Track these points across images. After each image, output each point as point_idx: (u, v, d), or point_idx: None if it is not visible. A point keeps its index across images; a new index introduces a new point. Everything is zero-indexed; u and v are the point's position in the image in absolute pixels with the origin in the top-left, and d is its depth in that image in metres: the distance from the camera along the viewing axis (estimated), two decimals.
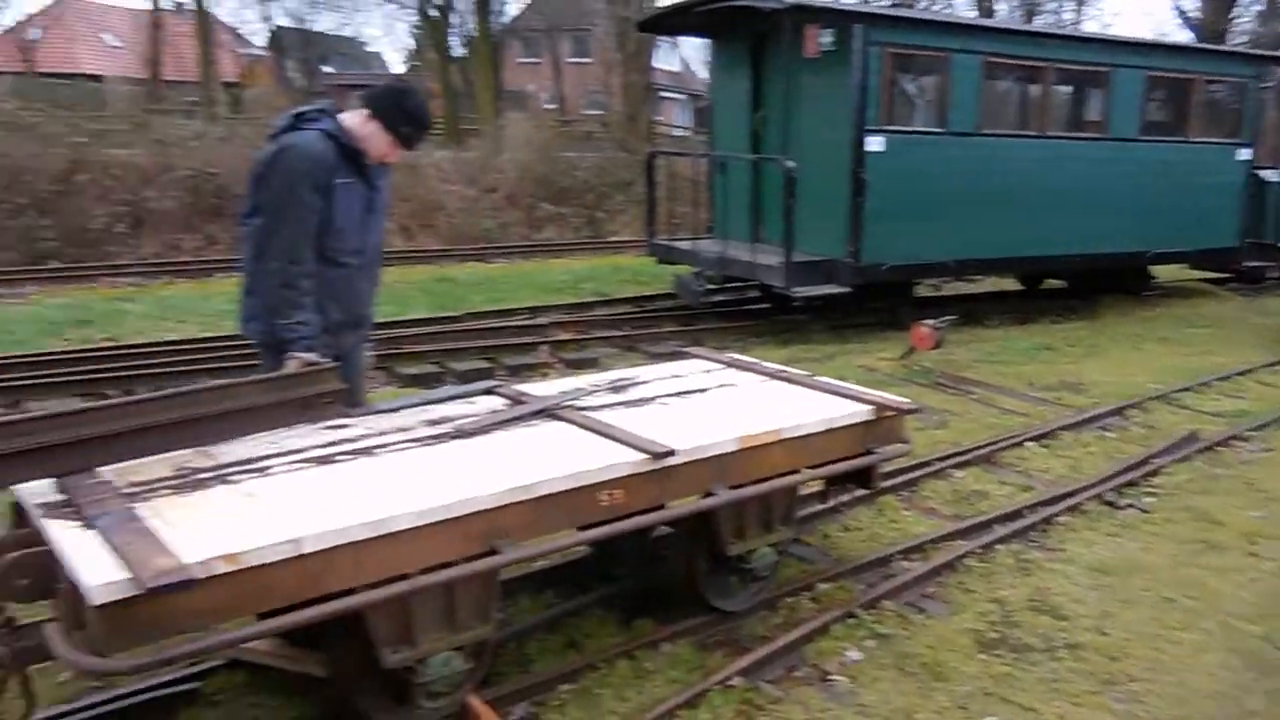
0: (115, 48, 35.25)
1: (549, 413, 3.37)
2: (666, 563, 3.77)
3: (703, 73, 47.05)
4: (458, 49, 29.39)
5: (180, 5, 29.85)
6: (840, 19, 8.87)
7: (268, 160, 3.20)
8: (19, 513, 2.61)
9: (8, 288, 10.73)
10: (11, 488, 2.60)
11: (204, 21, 25.79)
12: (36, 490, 2.57)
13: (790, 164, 8.72)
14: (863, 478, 3.81)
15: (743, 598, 3.58)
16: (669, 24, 12.06)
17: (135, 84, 25.56)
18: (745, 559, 3.45)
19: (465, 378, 7.31)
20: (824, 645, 3.39)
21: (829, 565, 4.04)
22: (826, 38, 8.99)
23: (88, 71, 30.14)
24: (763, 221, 10.03)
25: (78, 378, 6.78)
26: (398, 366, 7.57)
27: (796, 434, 3.40)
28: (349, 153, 3.25)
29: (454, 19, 28.65)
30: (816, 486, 3.97)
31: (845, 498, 4.53)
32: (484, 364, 7.91)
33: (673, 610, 3.53)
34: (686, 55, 48.04)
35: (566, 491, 2.82)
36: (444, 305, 10.34)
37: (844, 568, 4.00)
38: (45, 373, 6.82)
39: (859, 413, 3.62)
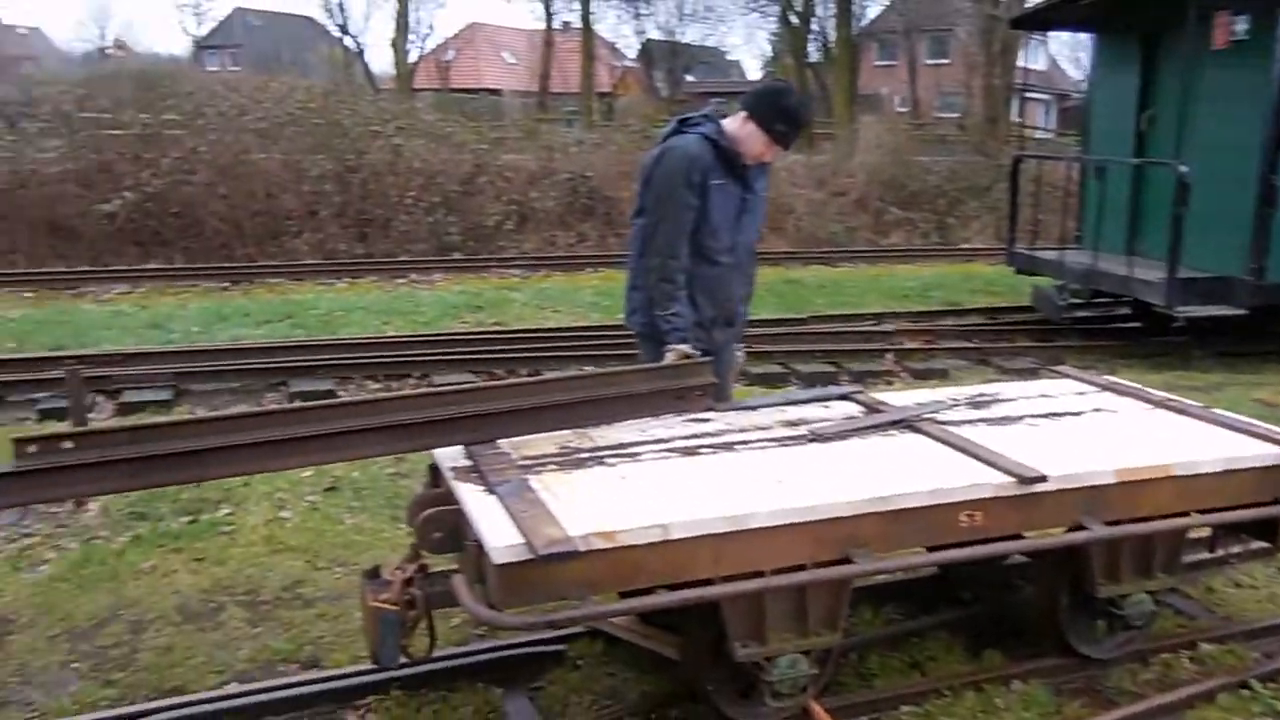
0: (512, 65, 39.62)
1: (907, 424, 3.29)
2: (1021, 594, 3.55)
3: (1072, 71, 43.45)
4: (814, 54, 29.58)
5: (567, 25, 32.84)
6: (1260, 2, 7.77)
7: (652, 163, 3.45)
8: (434, 473, 3.01)
9: (421, 274, 12.43)
10: (431, 451, 3.00)
11: (588, 38, 28.14)
12: (450, 455, 2.92)
13: (1183, 168, 7.79)
14: (1268, 530, 3.32)
15: (1109, 645, 3.27)
16: (1046, 19, 11.27)
17: (526, 96, 28.50)
18: (1116, 603, 3.14)
19: (809, 380, 7.37)
20: (1209, 715, 3.01)
21: (1215, 624, 3.58)
22: (1241, 25, 7.91)
23: (489, 86, 34.06)
24: (1141, 232, 9.07)
25: (471, 356, 7.69)
26: (744, 365, 7.78)
27: (1188, 472, 3.05)
28: (726, 155, 3.40)
29: (813, 25, 28.88)
30: (1202, 532, 3.52)
31: (1237, 549, 3.98)
32: (828, 368, 7.90)
33: (1025, 645, 3.32)
34: (1055, 52, 44.54)
35: (925, 508, 2.74)
36: (790, 307, 10.45)
37: (1235, 629, 3.52)
38: (446, 351, 7.80)
39: (1271, 455, 3.16)
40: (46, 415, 6.26)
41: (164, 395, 6.63)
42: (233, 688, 3.13)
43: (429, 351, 7.77)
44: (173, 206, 13.15)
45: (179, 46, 61.87)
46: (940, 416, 3.39)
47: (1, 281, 11.12)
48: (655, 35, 37.36)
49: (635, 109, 23.85)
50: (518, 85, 33.59)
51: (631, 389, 3.06)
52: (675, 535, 2.51)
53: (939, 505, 2.76)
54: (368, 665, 2.97)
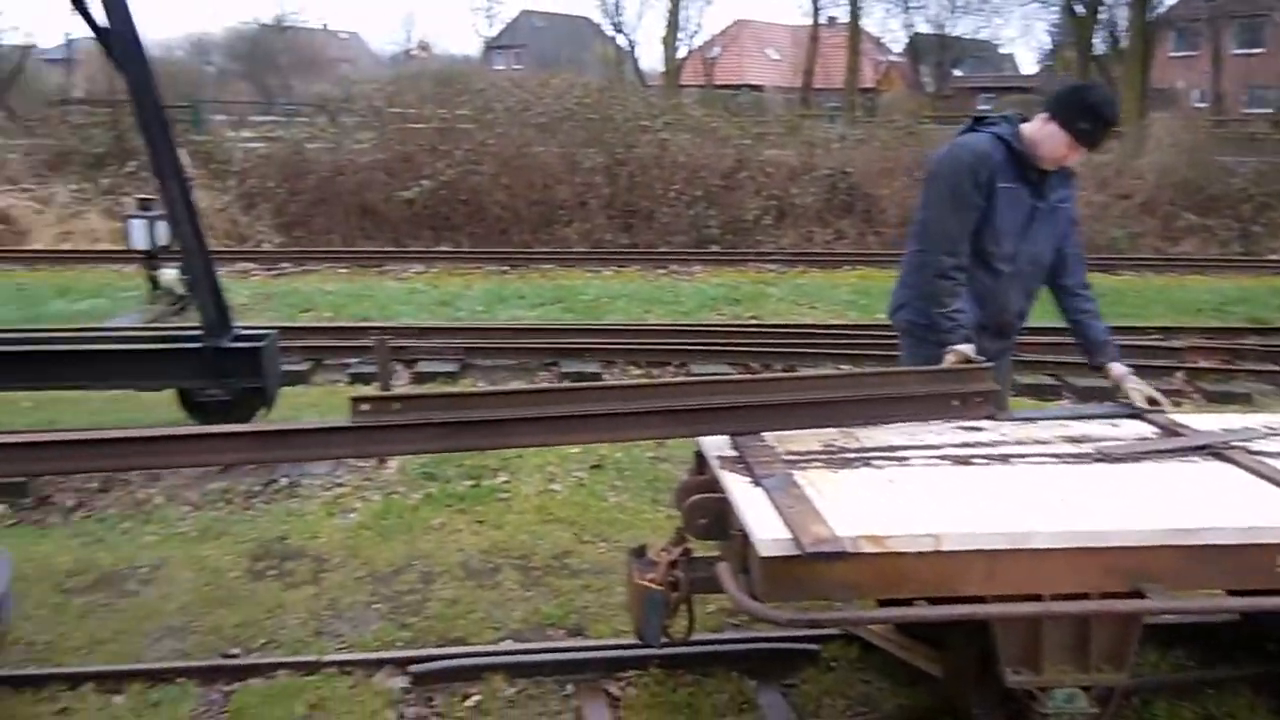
0: (775, 61, 39.70)
1: (1212, 450, 2.99)
2: None
3: None
4: (1100, 45, 27.39)
5: (833, 20, 32.42)
6: None
7: (939, 157, 3.36)
8: (700, 460, 3.09)
9: (682, 266, 12.78)
10: (697, 439, 3.08)
11: (855, 33, 27.65)
12: (715, 444, 2.97)
13: None
14: None
15: None
16: None
17: (788, 92, 28.46)
18: None
19: (1083, 395, 6.86)
20: None
21: None
22: None
23: (752, 83, 34.30)
24: None
25: (727, 348, 7.80)
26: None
27: None
28: (1019, 158, 3.23)
29: (1101, 13, 26.74)
30: None
31: None
32: (1107, 384, 7.28)
33: None
34: None
35: (1234, 546, 2.48)
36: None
37: None
38: (703, 341, 7.97)
39: None
40: (356, 379, 7.04)
41: (451, 368, 7.26)
42: (508, 645, 3.39)
43: (687, 341, 7.97)
44: (462, 194, 14.33)
45: (472, 47, 67.26)
46: (1254, 446, 3.05)
47: (321, 258, 12.62)
48: (924, 29, 36.05)
49: (899, 105, 23.14)
50: (779, 81, 33.59)
51: (906, 390, 2.99)
52: (947, 547, 2.42)
53: (1252, 545, 2.49)
54: (629, 640, 3.11)
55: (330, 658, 3.28)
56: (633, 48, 37.07)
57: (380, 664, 3.26)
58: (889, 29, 53.88)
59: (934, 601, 2.51)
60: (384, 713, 3.03)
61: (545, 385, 5.21)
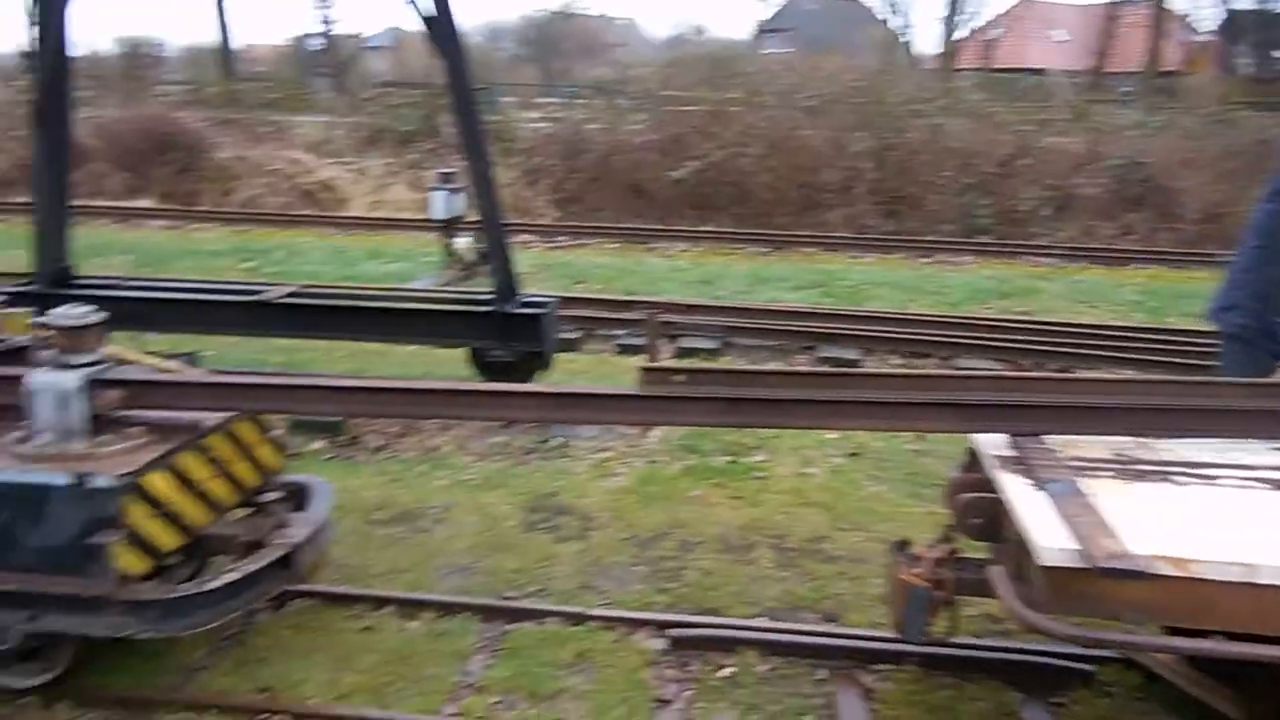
0: (1061, 42, 36.89)
1: None
2: None
3: None
4: None
5: None
6: None
7: None
8: (973, 458, 2.97)
9: (949, 255, 12.20)
10: (969, 435, 2.96)
11: (1159, 11, 25.07)
12: (992, 442, 2.86)
13: None
14: None
15: None
16: None
17: (1074, 75, 26.31)
18: None
19: None
20: None
21: None
22: None
23: (1033, 66, 32.02)
24: None
25: (995, 344, 7.38)
26: None
27: None
28: None
29: None
30: None
31: None
32: None
33: None
34: None
35: None
36: None
37: None
38: (970, 334, 7.58)
39: None
40: (622, 350, 7.34)
41: (712, 345, 7.38)
42: (762, 621, 3.44)
43: (953, 333, 7.62)
44: (728, 176, 14.48)
45: (744, 30, 67.57)
46: None
47: (594, 233, 13.23)
48: (1244, 4, 31.88)
49: (1206, 89, 20.71)
50: (1065, 64, 31.08)
51: (1226, 402, 2.73)
52: (1263, 580, 2.21)
53: None
54: (886, 633, 3.07)
55: (596, 612, 3.48)
56: (907, 29, 35.73)
57: (640, 624, 3.43)
58: (1198, 6, 47.83)
59: (1235, 637, 2.30)
60: (642, 671, 3.18)
61: (822, 369, 5.14)
